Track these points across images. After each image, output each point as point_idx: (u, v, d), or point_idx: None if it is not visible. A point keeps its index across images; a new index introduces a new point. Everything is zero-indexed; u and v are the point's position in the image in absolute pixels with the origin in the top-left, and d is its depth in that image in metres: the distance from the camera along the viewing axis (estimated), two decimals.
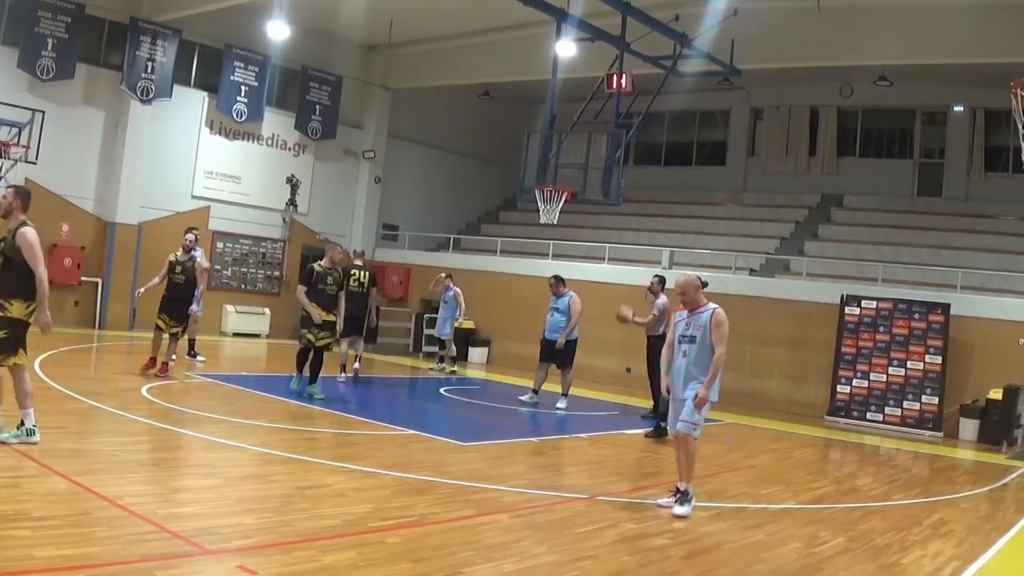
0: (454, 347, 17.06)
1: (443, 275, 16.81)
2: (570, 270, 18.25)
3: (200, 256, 12.62)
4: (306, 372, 11.18)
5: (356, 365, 13.58)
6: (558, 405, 12.81)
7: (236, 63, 18.88)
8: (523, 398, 13.10)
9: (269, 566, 4.68)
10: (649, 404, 12.71)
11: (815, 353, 15.57)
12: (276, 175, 20.34)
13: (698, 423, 6.94)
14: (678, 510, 6.82)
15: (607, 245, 19.14)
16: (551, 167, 13.46)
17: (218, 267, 19.02)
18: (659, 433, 10.51)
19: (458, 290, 16.53)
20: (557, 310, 12.95)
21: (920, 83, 19.39)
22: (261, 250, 20.22)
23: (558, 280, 13.21)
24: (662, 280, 12.15)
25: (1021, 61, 12.96)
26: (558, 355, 12.84)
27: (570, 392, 13.05)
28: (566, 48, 14.23)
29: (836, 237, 19.10)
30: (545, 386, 13.08)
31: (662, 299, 11.84)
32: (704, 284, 11.33)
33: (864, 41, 15.04)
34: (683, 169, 23.80)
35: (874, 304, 14.84)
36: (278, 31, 15.73)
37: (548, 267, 14.98)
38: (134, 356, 14.30)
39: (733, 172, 22.91)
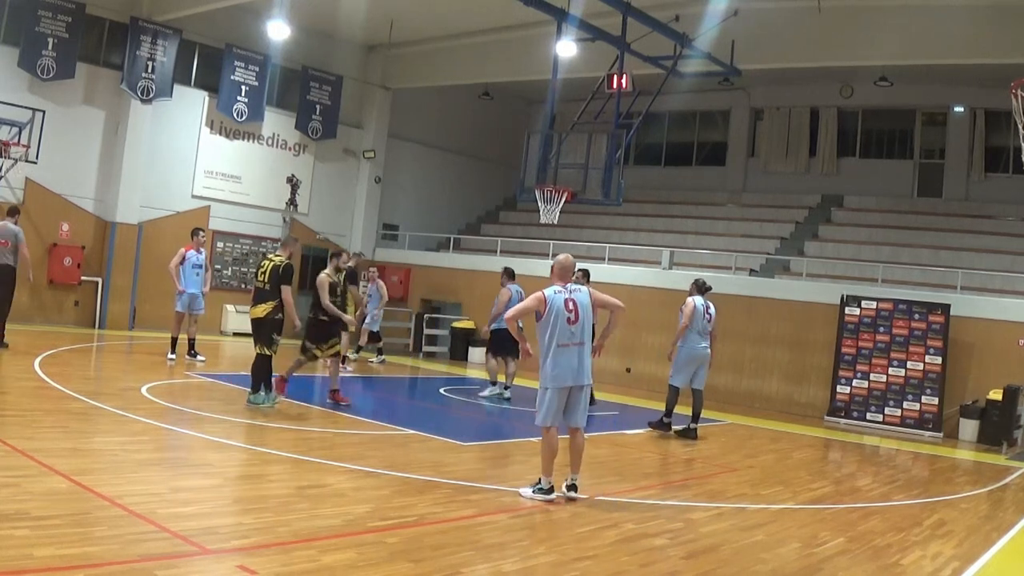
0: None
1: (373, 270, 16.81)
2: None
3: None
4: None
5: (346, 358, 14.21)
6: (481, 393, 12.96)
7: (236, 63, 18.86)
8: (482, 394, 13.16)
9: (269, 566, 4.68)
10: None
11: (815, 353, 15.56)
12: (276, 175, 20.33)
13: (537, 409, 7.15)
14: (522, 489, 7.04)
15: (607, 245, 19.12)
16: (551, 167, 13.44)
17: (218, 267, 19.02)
18: (686, 434, 10.98)
19: (381, 283, 16.63)
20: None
21: (920, 83, 19.39)
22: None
23: (505, 272, 13.10)
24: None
25: (1021, 61, 12.96)
26: (495, 345, 12.98)
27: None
28: (566, 48, 14.21)
29: (836, 237, 19.09)
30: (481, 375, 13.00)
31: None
32: (707, 288, 11.30)
33: (864, 41, 15.02)
34: (683, 169, 23.78)
35: (874, 304, 14.82)
36: (278, 31, 15.74)
37: (548, 267, 14.76)
38: (135, 356, 14.32)
39: (733, 172, 22.89)
